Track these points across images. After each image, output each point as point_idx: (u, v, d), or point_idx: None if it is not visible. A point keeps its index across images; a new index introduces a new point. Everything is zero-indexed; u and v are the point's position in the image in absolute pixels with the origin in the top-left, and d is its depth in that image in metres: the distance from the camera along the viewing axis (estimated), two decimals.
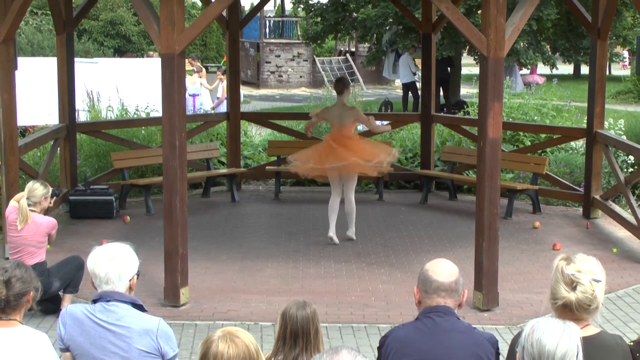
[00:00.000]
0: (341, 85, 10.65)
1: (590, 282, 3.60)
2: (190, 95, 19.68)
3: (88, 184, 11.95)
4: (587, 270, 3.63)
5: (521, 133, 14.07)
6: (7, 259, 8.76)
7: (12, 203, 8.18)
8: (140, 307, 4.19)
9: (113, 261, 4.14)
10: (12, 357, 4.13)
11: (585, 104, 12.20)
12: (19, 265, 4.37)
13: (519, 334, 3.34)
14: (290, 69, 33.31)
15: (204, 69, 21.44)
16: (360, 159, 10.29)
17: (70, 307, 4.23)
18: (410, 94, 24.10)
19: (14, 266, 4.33)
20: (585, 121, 12.40)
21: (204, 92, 20.37)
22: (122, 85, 16.30)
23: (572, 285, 3.61)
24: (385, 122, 14.97)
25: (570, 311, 3.62)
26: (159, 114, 9.81)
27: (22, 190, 8.33)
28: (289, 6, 36.94)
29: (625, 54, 32.53)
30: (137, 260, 4.25)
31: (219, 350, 3.52)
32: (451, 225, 11.57)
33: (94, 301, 4.17)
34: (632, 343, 3.84)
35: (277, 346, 4.38)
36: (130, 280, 4.18)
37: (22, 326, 4.27)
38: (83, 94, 15.21)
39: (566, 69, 33.88)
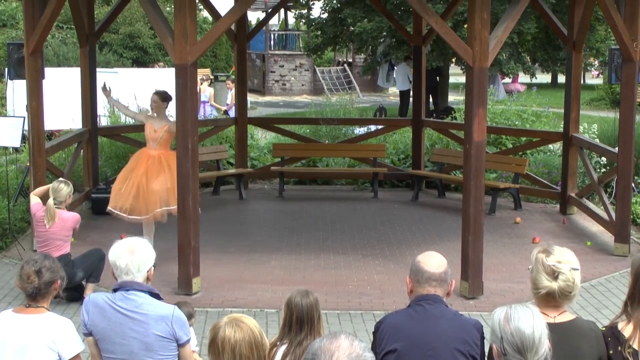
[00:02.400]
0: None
1: (570, 271, 3.61)
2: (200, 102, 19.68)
3: (108, 183, 11.94)
4: (566, 261, 3.64)
5: (504, 136, 14.06)
6: (35, 251, 8.77)
7: (35, 199, 8.17)
8: (156, 296, 4.18)
9: (133, 254, 4.14)
10: (40, 341, 4.15)
11: (562, 110, 12.20)
12: (47, 257, 4.41)
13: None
14: (293, 78, 33.27)
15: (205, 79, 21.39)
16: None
17: (93, 296, 4.23)
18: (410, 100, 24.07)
19: (43, 257, 4.37)
20: (562, 126, 12.40)
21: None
22: (140, 93, 16.28)
23: (554, 275, 3.60)
24: (379, 127, 15.01)
25: (553, 299, 3.61)
26: (173, 119, 9.80)
27: None
28: (291, 21, 36.93)
29: (595, 63, 32.43)
30: (154, 252, 4.25)
31: (227, 335, 3.53)
32: (440, 220, 11.57)
33: (115, 290, 4.17)
34: (604, 328, 3.84)
35: (282, 332, 4.36)
36: (148, 271, 4.18)
37: (49, 313, 4.28)
38: (104, 100, 15.17)
39: (544, 78, 33.85)
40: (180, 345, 4.17)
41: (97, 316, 4.12)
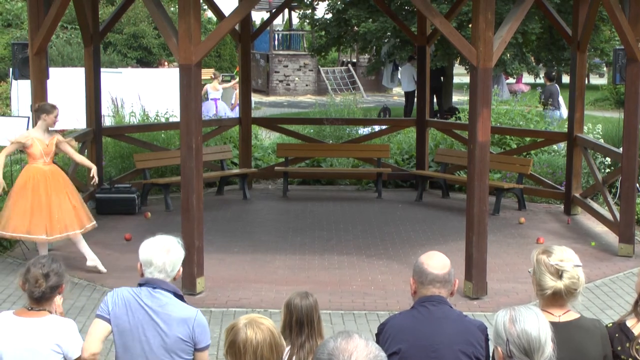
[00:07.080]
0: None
1: (573, 268, 3.61)
2: (212, 99, 19.66)
3: (113, 183, 11.94)
4: (567, 259, 3.65)
5: (508, 137, 14.03)
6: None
7: None
8: (180, 297, 4.17)
9: (169, 253, 4.14)
10: (44, 344, 4.12)
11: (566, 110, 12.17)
12: (54, 260, 4.34)
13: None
14: (297, 78, 33.27)
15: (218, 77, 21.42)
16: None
17: (121, 289, 4.19)
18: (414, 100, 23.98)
19: (50, 261, 4.30)
20: (566, 126, 12.36)
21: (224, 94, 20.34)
22: (144, 92, 16.29)
23: (559, 274, 3.61)
24: (383, 127, 14.98)
25: (561, 298, 3.62)
26: (177, 119, 9.80)
27: None
28: (296, 21, 36.91)
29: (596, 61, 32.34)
30: (184, 253, 4.24)
31: (248, 336, 3.47)
32: (444, 220, 11.55)
33: (140, 285, 4.16)
34: (611, 324, 3.83)
35: (283, 334, 4.34)
36: (177, 271, 4.18)
37: (51, 315, 4.23)
38: (108, 101, 15.21)
39: None
40: (198, 350, 4.13)
41: (122, 309, 4.10)
